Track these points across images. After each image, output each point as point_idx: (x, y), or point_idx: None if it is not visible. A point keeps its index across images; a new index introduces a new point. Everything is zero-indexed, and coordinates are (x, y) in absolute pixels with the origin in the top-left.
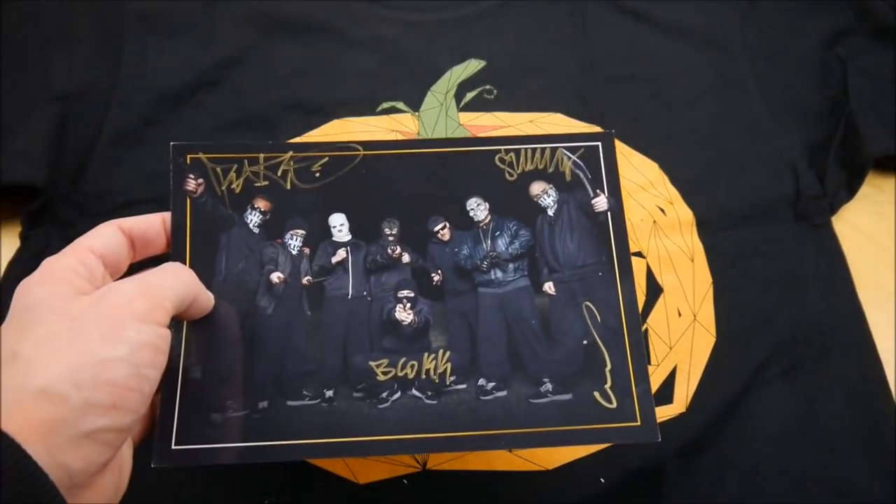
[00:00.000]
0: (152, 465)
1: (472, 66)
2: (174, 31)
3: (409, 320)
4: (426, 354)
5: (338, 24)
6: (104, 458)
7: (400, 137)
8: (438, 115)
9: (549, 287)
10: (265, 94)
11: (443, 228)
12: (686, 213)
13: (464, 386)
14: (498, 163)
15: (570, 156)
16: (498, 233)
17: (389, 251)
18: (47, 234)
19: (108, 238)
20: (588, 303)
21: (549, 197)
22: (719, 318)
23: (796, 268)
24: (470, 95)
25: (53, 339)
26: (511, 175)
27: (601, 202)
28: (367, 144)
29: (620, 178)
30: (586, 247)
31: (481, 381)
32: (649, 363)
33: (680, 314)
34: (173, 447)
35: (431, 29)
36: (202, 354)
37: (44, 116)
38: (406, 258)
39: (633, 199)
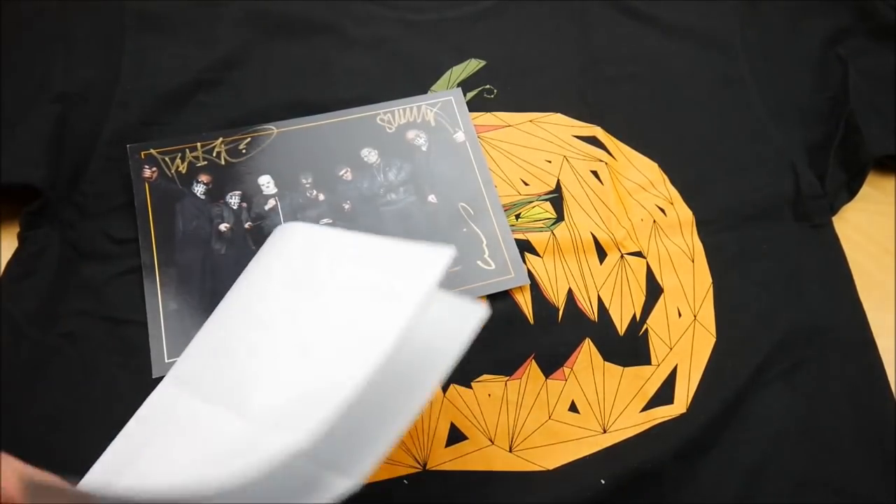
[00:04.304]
0: (153, 376)
1: (472, 65)
2: (174, 31)
3: None
4: None
5: (338, 24)
6: None
7: None
8: None
9: (431, 198)
10: (265, 94)
11: (346, 172)
12: (686, 213)
13: None
14: (379, 122)
15: (432, 108)
16: (387, 168)
17: (308, 195)
18: (47, 234)
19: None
20: (462, 203)
21: (421, 139)
22: (719, 318)
23: (796, 268)
24: (470, 95)
25: None
26: (390, 128)
27: (459, 136)
28: (278, 124)
29: (620, 178)
30: (454, 166)
31: None
32: (649, 363)
33: (680, 314)
34: (166, 361)
35: (431, 29)
36: (176, 292)
37: (44, 116)
38: (321, 197)
39: (633, 198)
